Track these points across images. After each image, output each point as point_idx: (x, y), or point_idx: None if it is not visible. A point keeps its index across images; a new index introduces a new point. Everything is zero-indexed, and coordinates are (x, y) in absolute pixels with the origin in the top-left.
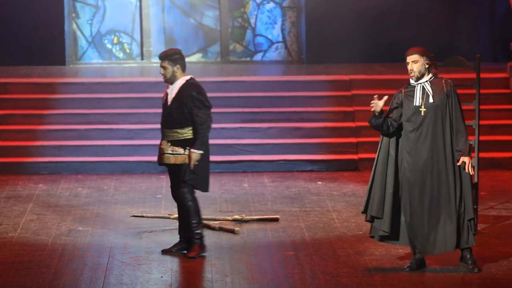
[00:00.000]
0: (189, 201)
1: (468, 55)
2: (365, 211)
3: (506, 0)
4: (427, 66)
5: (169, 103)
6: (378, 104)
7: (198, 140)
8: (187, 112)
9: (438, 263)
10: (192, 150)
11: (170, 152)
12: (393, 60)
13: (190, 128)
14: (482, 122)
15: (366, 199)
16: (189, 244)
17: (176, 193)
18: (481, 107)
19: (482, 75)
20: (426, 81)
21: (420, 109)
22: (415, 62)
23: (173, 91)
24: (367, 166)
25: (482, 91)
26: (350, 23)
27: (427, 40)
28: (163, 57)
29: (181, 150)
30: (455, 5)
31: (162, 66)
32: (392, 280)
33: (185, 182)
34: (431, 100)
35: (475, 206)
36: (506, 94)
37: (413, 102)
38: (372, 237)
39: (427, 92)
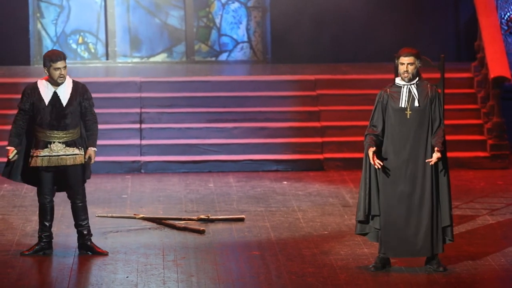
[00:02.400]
0: (85, 197)
1: (432, 55)
2: (367, 213)
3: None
4: (419, 68)
5: (64, 104)
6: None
7: (95, 138)
8: (79, 112)
9: (403, 262)
10: (92, 148)
11: (65, 153)
12: (358, 60)
13: (79, 127)
14: (446, 122)
15: (367, 201)
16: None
17: (71, 193)
18: (446, 107)
19: (447, 75)
20: (413, 84)
21: (406, 111)
22: (411, 64)
23: (65, 92)
24: (332, 166)
25: (446, 91)
26: (315, 23)
27: (391, 39)
28: (64, 57)
29: (76, 151)
30: (419, 4)
31: (63, 67)
32: (357, 279)
33: (85, 181)
34: (416, 103)
35: (451, 213)
36: (470, 94)
37: (398, 103)
38: (364, 234)
39: (413, 95)
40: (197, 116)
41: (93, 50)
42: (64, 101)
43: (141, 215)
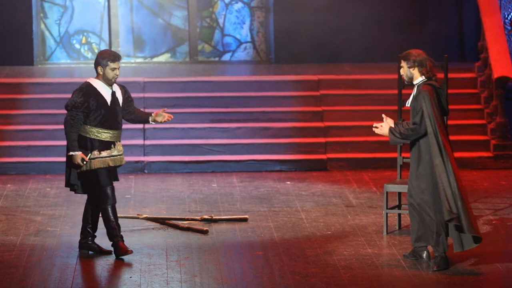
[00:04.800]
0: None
1: (435, 55)
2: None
3: (473, 0)
4: (411, 69)
5: (120, 103)
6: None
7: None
8: None
9: (406, 261)
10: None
11: (123, 152)
12: (361, 60)
13: None
14: (450, 122)
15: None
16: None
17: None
18: (449, 107)
19: (450, 75)
20: (417, 84)
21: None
22: (401, 67)
23: (118, 92)
24: (335, 166)
25: (450, 91)
26: (318, 23)
27: (394, 40)
28: (120, 58)
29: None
30: (422, 4)
31: (118, 68)
32: (361, 280)
33: None
34: (409, 104)
35: (449, 208)
36: (474, 94)
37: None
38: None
39: (412, 95)
40: (201, 116)
41: (96, 50)
42: (121, 101)
43: (145, 215)
